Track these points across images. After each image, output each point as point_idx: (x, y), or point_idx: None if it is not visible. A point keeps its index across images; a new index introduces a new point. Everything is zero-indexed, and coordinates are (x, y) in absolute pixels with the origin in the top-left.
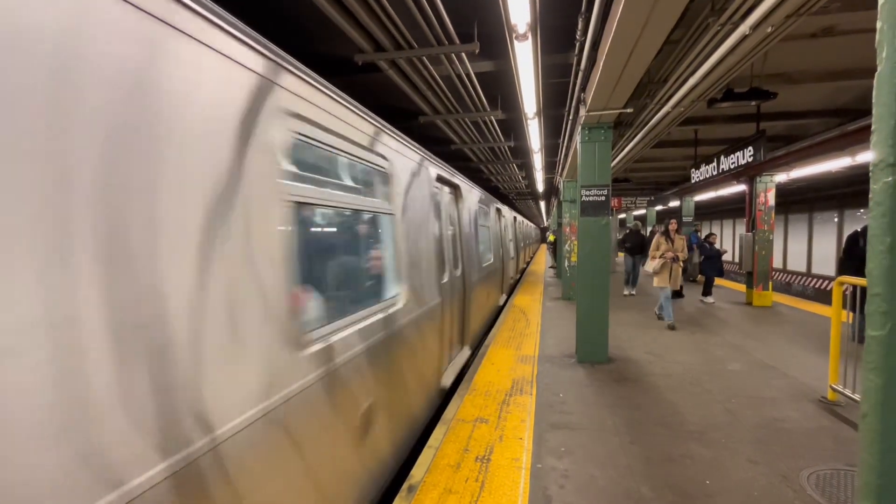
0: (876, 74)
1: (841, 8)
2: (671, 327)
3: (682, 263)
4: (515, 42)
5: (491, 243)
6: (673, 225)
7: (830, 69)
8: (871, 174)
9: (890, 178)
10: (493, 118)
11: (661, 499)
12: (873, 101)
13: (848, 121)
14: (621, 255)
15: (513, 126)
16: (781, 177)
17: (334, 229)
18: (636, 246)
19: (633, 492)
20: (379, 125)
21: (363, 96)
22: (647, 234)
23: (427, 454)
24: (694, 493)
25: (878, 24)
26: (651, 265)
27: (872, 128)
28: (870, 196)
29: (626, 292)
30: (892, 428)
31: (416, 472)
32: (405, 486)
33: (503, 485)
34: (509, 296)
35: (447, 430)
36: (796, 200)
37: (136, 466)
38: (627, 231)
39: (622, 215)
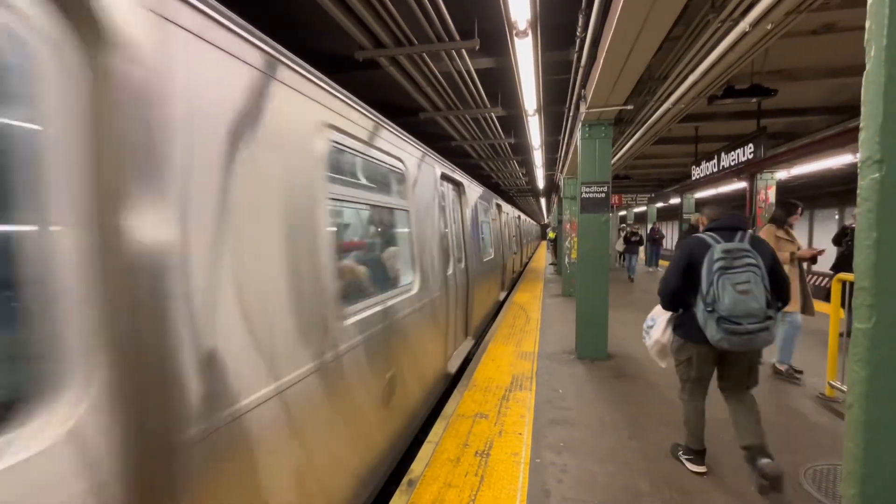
0: (864, 73)
1: (841, 5)
2: (790, 375)
3: (809, 268)
4: (516, 39)
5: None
6: (795, 218)
7: (831, 66)
8: (858, 171)
9: (877, 175)
10: (493, 115)
11: (658, 494)
12: (861, 99)
13: (848, 118)
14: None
15: (513, 123)
16: (782, 174)
17: None
18: None
19: (632, 487)
20: None
21: (364, 93)
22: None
23: (427, 449)
24: (691, 488)
25: (867, 24)
26: None
27: (861, 126)
28: (858, 192)
29: None
30: (876, 418)
31: (416, 466)
32: (405, 480)
33: (502, 479)
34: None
35: (447, 425)
36: (797, 197)
37: None
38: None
39: (622, 212)
